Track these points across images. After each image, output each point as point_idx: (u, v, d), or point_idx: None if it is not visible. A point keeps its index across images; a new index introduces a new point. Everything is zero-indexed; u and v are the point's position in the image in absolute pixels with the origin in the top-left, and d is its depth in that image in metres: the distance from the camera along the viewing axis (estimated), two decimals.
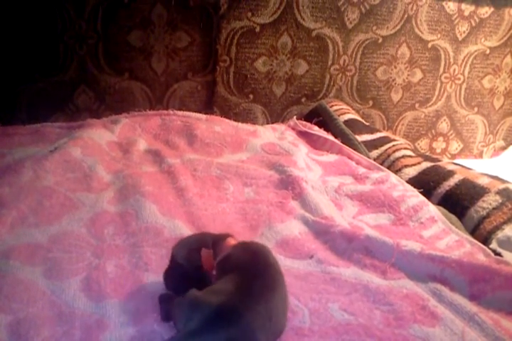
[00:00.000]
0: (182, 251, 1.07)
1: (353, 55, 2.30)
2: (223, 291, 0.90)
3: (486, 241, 1.46)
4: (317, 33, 2.22)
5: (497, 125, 2.63)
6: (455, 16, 2.34)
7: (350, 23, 2.24)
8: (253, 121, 2.25)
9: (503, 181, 1.65)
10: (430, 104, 2.49)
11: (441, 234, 1.44)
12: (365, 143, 2.00)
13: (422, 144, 2.55)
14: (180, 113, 2.07)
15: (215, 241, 1.08)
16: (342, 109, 2.22)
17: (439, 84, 2.46)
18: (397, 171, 1.82)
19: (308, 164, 1.80)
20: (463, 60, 2.44)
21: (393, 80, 2.40)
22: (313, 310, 1.08)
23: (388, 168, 1.84)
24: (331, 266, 1.24)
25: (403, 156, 1.89)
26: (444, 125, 2.54)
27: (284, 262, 1.25)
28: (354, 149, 1.92)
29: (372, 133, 2.09)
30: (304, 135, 2.07)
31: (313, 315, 1.06)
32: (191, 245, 1.08)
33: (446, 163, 1.85)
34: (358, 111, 2.34)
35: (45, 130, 1.90)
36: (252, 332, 0.87)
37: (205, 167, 1.71)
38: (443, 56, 2.41)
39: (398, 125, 2.48)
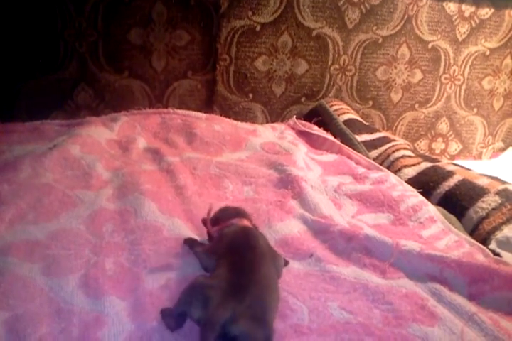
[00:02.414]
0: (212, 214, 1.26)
1: (353, 55, 2.30)
2: (221, 275, 1.00)
3: (485, 241, 1.46)
4: (317, 33, 2.22)
5: (496, 126, 2.63)
6: (455, 17, 2.34)
7: (351, 22, 2.24)
8: (253, 120, 2.25)
9: (503, 182, 1.65)
10: (430, 104, 2.49)
11: (440, 234, 1.44)
12: (365, 143, 2.00)
13: (422, 145, 2.56)
14: (179, 111, 2.07)
15: (236, 215, 1.23)
16: (342, 108, 2.22)
17: (438, 85, 2.46)
18: (396, 171, 1.82)
19: (308, 163, 1.80)
20: (463, 61, 2.45)
21: (393, 80, 2.40)
22: (312, 309, 1.07)
23: (388, 168, 1.84)
24: (330, 265, 1.24)
25: (402, 156, 1.89)
26: (443, 126, 2.54)
27: None
28: (353, 149, 1.91)
29: (371, 133, 2.09)
30: (303, 134, 2.07)
31: (312, 313, 1.06)
32: (220, 212, 1.27)
33: (445, 163, 1.85)
34: (357, 111, 2.34)
35: (45, 127, 1.90)
36: (262, 301, 0.96)
37: (205, 165, 1.70)
38: (443, 57, 2.41)
39: (398, 125, 2.49)
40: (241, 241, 1.13)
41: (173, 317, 0.99)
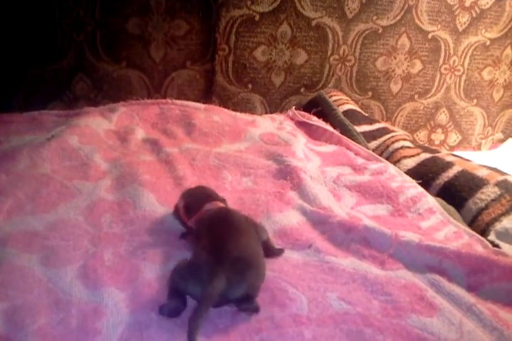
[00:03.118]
0: (179, 202, 1.28)
1: (353, 45, 2.29)
2: (203, 250, 1.05)
3: (484, 232, 1.46)
4: (317, 23, 2.20)
5: (496, 117, 2.62)
6: (456, 7, 2.33)
7: (351, 12, 2.22)
8: (251, 110, 2.24)
9: (502, 173, 1.65)
10: (429, 95, 2.48)
11: (439, 226, 1.44)
12: (364, 133, 1.99)
13: (421, 136, 2.55)
14: (178, 102, 2.06)
15: (207, 199, 1.25)
16: (341, 99, 2.21)
17: (438, 76, 2.45)
18: (395, 162, 1.82)
19: (307, 154, 1.80)
20: (463, 52, 2.43)
21: (393, 71, 2.38)
22: (311, 299, 1.07)
23: (387, 159, 1.83)
24: (329, 256, 1.24)
25: (402, 147, 1.89)
26: (442, 116, 2.54)
27: None
28: (353, 140, 1.91)
29: (371, 124, 2.08)
30: (302, 125, 2.06)
31: (311, 303, 1.06)
32: (188, 198, 1.28)
33: (445, 154, 1.84)
34: (357, 102, 2.33)
35: (43, 118, 1.89)
36: (248, 261, 1.03)
37: (203, 156, 1.70)
38: (443, 47, 2.40)
39: (397, 116, 2.48)
40: (217, 220, 1.17)
41: (174, 302, 1.00)
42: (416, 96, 2.46)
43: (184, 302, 1.00)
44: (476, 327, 1.05)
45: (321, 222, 1.38)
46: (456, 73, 2.47)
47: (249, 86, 2.24)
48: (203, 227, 1.17)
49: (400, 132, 2.06)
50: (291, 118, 2.11)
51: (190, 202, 1.26)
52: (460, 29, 2.38)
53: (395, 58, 2.36)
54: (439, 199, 1.57)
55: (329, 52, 2.27)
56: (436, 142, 2.58)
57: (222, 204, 1.26)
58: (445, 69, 2.44)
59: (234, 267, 0.99)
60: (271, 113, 2.25)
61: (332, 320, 1.02)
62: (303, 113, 2.13)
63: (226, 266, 0.98)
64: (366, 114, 2.21)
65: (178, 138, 1.83)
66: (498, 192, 1.54)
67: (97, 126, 1.81)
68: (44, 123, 1.84)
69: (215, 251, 1.03)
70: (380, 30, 2.29)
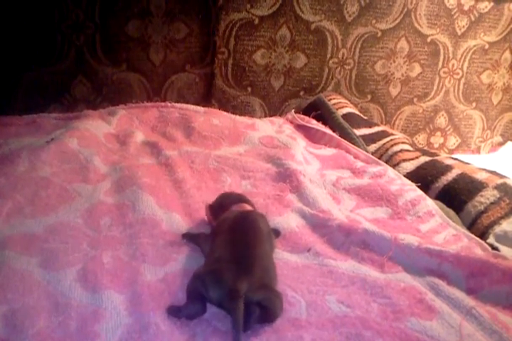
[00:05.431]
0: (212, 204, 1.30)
1: (352, 49, 2.29)
2: (225, 255, 1.05)
3: (483, 235, 1.46)
4: (316, 26, 2.21)
5: (495, 120, 2.63)
6: (455, 11, 2.33)
7: (350, 16, 2.22)
8: (251, 114, 2.25)
9: (501, 176, 1.65)
10: (428, 98, 2.48)
11: (438, 228, 1.44)
12: (363, 137, 1.99)
13: (420, 139, 2.55)
14: (178, 105, 2.06)
15: (235, 201, 1.27)
16: (340, 102, 2.21)
17: (437, 79, 2.46)
18: (395, 165, 1.82)
19: (306, 157, 1.80)
20: (462, 55, 2.44)
21: (392, 74, 2.39)
22: (310, 302, 1.07)
23: (386, 162, 1.84)
24: (328, 259, 1.24)
25: (401, 150, 1.89)
26: (442, 120, 2.54)
27: (282, 255, 1.25)
28: (352, 143, 1.91)
29: (370, 127, 2.08)
30: (302, 128, 2.06)
31: (310, 306, 1.06)
32: (218, 200, 1.31)
33: (444, 157, 1.85)
34: (356, 105, 2.34)
35: (42, 120, 1.89)
36: (268, 271, 1.06)
37: (203, 159, 1.70)
38: (442, 51, 2.40)
39: (396, 119, 2.48)
40: (241, 222, 1.17)
41: (192, 306, 1.00)
42: (415, 100, 2.47)
43: (204, 307, 1.01)
44: (475, 330, 1.05)
45: (320, 225, 1.38)
46: (455, 76, 2.47)
47: (249, 89, 2.24)
48: (223, 225, 1.17)
49: (399, 135, 2.06)
50: (291, 122, 2.11)
51: (218, 204, 1.29)
52: (459, 33, 2.38)
53: (394, 62, 2.37)
54: (438, 202, 1.57)
55: (328, 56, 2.28)
56: (436, 145, 2.59)
57: (249, 207, 1.26)
58: (444, 72, 2.45)
59: (258, 277, 1.00)
60: (270, 116, 2.26)
61: (331, 324, 1.02)
62: (302, 116, 2.13)
63: (251, 274, 1.00)
64: (365, 117, 2.21)
65: (178, 141, 1.83)
66: (498, 195, 1.55)
67: (96, 129, 1.81)
68: (43, 126, 1.84)
69: (241, 259, 1.03)
70: (379, 34, 2.29)
